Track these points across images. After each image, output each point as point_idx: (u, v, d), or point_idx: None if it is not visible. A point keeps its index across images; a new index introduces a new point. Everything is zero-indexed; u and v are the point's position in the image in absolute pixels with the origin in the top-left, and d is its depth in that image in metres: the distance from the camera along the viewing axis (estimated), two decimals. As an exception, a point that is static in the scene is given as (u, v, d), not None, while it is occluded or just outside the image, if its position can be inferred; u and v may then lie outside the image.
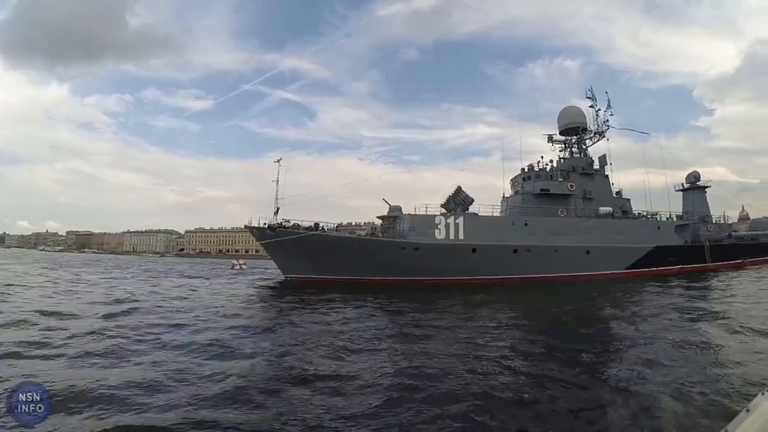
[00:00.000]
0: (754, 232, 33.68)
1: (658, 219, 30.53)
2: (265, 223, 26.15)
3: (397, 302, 16.36)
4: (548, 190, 28.14)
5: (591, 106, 32.39)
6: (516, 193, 29.97)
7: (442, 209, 27.42)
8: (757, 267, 29.80)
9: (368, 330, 10.77)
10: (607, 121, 31.87)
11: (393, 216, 28.16)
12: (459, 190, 28.24)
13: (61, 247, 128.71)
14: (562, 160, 31.03)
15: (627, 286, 22.88)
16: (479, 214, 27.47)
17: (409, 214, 27.09)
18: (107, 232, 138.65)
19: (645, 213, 30.70)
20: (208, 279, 30.25)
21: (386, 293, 19.38)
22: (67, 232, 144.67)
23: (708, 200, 33.95)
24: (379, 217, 29.81)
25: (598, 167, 30.48)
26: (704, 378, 6.48)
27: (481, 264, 25.48)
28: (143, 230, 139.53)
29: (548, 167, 29.62)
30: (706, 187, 34.33)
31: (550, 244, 26.28)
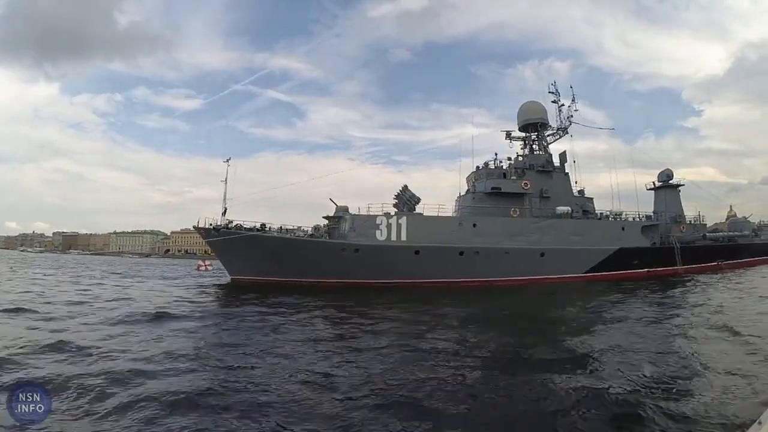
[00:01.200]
0: (730, 233, 31.39)
1: (623, 219, 28.24)
2: (210, 224, 25.05)
3: (322, 306, 15.19)
4: (500, 188, 26.00)
5: (554, 101, 30.27)
6: (467, 192, 27.79)
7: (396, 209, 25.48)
8: (736, 270, 27.54)
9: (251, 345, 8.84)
10: (571, 116, 29.74)
11: (338, 216, 26.15)
12: (405, 189, 26.20)
13: (42, 248, 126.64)
14: (521, 158, 28.90)
15: (583, 291, 21.13)
16: (424, 214, 25.37)
17: (351, 214, 25.15)
18: (94, 233, 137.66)
19: (608, 213, 28.45)
20: (164, 280, 28.49)
21: (325, 296, 18.09)
22: (54, 233, 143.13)
23: (681, 199, 31.70)
24: (324, 218, 27.86)
25: (558, 165, 28.33)
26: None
27: (425, 266, 23.47)
28: (130, 231, 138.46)
29: (503, 165, 27.47)
30: (679, 185, 32.07)
31: (500, 246, 24.14)
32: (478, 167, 28.35)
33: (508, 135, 29.80)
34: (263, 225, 25.77)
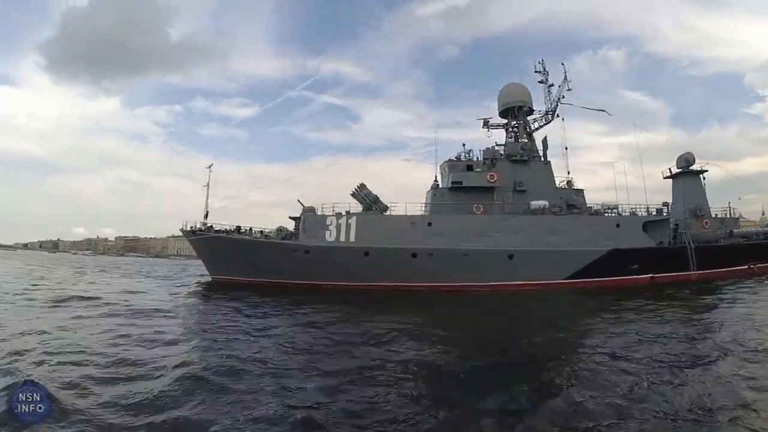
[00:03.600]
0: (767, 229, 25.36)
1: (619, 214, 23.85)
2: (191, 227, 26.33)
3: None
4: (461, 182, 23.18)
5: (541, 82, 26.57)
6: (431, 188, 25.20)
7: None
8: None
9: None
10: (562, 98, 25.86)
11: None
12: (361, 186, 24.47)
13: (91, 251, 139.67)
14: (498, 147, 25.70)
15: (554, 303, 18.05)
16: (375, 214, 23.43)
17: (305, 215, 24.07)
18: (153, 236, 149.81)
19: (600, 206, 24.19)
20: (164, 279, 30.13)
21: (283, 296, 18.07)
22: (116, 238, 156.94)
23: (706, 188, 26.15)
24: (290, 218, 27.08)
25: (537, 154, 24.77)
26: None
27: (375, 269, 21.66)
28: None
29: (470, 156, 24.53)
30: (702, 171, 26.48)
31: (458, 248, 21.48)
32: (450, 160, 25.67)
33: (486, 123, 26.61)
34: (238, 227, 26.42)
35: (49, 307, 14.16)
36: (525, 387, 6.06)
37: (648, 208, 24.41)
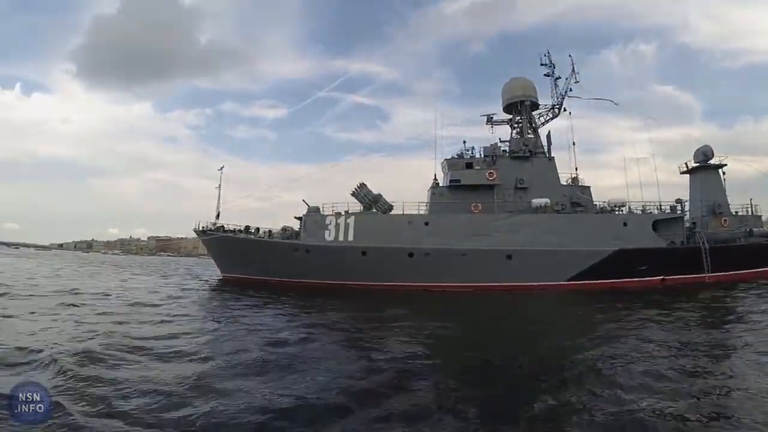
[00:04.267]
0: None
1: (631, 211, 22.73)
2: (202, 227, 27.33)
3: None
4: (459, 181, 22.75)
5: (547, 75, 25.63)
6: (431, 187, 24.86)
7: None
8: None
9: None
10: (569, 91, 24.89)
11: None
12: (361, 186, 24.45)
13: (120, 251, 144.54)
14: (501, 143, 25.06)
15: (552, 306, 17.33)
16: (373, 213, 23.39)
17: (306, 215, 24.38)
18: (184, 236, 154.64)
19: (605, 204, 23.15)
20: (162, 278, 30.45)
21: (283, 295, 18.18)
22: (149, 238, 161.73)
23: (725, 184, 24.51)
24: (295, 218, 27.53)
25: (541, 149, 23.96)
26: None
27: (373, 268, 21.76)
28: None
29: (472, 153, 24.04)
30: (720, 166, 24.80)
31: (455, 247, 21.17)
32: (452, 157, 25.25)
33: (489, 119, 25.98)
34: (247, 227, 27.05)
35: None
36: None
37: (661, 205, 23.18)
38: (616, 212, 22.59)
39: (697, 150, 25.03)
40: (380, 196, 24.51)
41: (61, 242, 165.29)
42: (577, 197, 22.77)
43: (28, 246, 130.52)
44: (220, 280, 27.12)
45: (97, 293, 17.03)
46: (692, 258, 21.22)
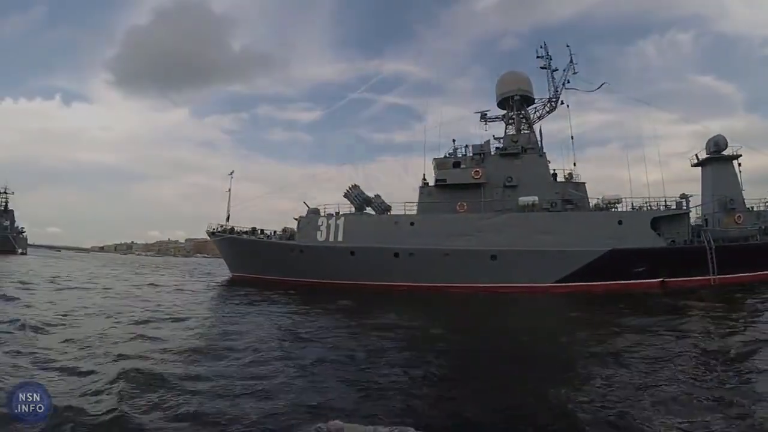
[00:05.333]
0: None
1: (623, 209, 21.50)
2: (213, 229, 29.08)
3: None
4: (444, 180, 22.51)
5: (543, 67, 24.58)
6: (420, 186, 24.71)
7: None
8: None
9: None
10: (567, 83, 23.81)
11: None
12: (354, 187, 24.86)
13: (152, 252, 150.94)
14: (496, 140, 24.42)
15: (523, 311, 16.61)
16: (362, 214, 23.76)
17: (300, 216, 25.20)
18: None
19: (600, 200, 21.98)
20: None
21: (280, 292, 19.38)
22: (186, 240, 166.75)
23: (741, 177, 22.44)
24: (294, 219, 28.47)
25: (534, 146, 23.12)
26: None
27: (361, 268, 22.29)
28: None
29: (465, 152, 23.64)
30: (735, 156, 22.68)
31: (439, 247, 21.09)
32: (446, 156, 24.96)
33: (483, 116, 25.37)
34: (253, 228, 28.28)
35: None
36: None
37: (666, 201, 21.72)
38: (612, 210, 21.45)
39: (709, 140, 23.08)
40: (378, 197, 24.76)
41: (102, 245, 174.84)
42: (569, 194, 21.85)
43: (69, 249, 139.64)
44: (229, 279, 28.41)
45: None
46: (696, 258, 19.80)
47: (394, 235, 22.08)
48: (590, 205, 22.22)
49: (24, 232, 71.86)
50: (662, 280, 19.96)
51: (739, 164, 22.57)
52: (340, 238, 23.15)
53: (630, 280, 19.90)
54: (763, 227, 20.61)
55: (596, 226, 20.69)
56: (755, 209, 21.95)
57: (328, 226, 23.57)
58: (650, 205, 21.48)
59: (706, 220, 22.17)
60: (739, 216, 21.50)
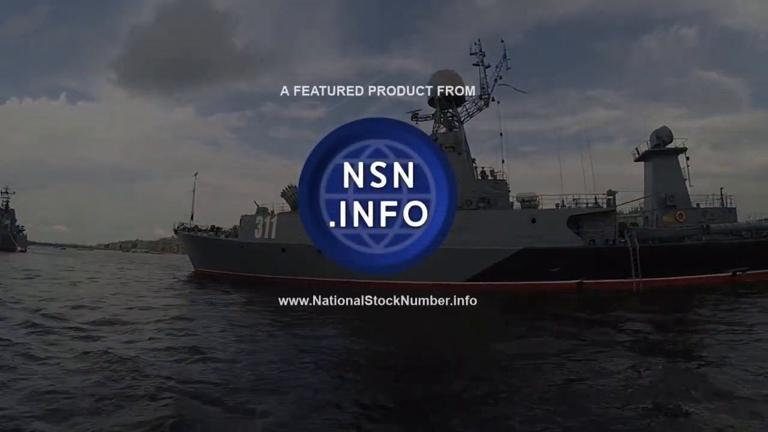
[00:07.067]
0: (764, 224, 17.93)
1: (539, 207, 20.17)
2: (177, 227, 31.52)
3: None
4: None
5: (476, 64, 24.08)
6: None
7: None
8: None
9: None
10: (499, 79, 23.16)
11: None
12: (290, 187, 25.99)
13: (146, 249, 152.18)
14: None
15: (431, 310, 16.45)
16: (294, 213, 24.73)
17: (243, 215, 26.94)
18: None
19: (522, 198, 20.79)
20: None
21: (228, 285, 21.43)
22: None
23: (687, 172, 19.95)
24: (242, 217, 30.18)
25: (460, 145, 22.62)
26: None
27: (291, 264, 23.29)
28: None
29: None
30: (680, 150, 20.17)
31: None
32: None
33: (414, 115, 25.25)
34: (213, 226, 30.55)
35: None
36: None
37: (596, 198, 20.08)
38: (527, 207, 20.31)
39: (653, 133, 20.91)
40: None
41: (107, 243, 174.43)
42: (485, 192, 21.01)
43: (75, 246, 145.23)
44: (191, 273, 30.79)
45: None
46: (617, 260, 18.08)
47: None
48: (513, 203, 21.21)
49: (24, 230, 75.53)
50: (579, 282, 18.50)
51: (687, 158, 20.18)
52: (273, 236, 24.34)
53: (545, 280, 18.72)
54: (703, 225, 18.20)
55: (509, 224, 19.71)
56: (701, 207, 19.45)
57: (264, 225, 24.86)
58: (576, 203, 20.02)
59: (646, 218, 20.12)
60: (681, 214, 19.19)
